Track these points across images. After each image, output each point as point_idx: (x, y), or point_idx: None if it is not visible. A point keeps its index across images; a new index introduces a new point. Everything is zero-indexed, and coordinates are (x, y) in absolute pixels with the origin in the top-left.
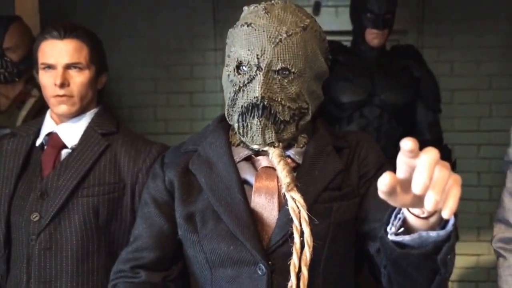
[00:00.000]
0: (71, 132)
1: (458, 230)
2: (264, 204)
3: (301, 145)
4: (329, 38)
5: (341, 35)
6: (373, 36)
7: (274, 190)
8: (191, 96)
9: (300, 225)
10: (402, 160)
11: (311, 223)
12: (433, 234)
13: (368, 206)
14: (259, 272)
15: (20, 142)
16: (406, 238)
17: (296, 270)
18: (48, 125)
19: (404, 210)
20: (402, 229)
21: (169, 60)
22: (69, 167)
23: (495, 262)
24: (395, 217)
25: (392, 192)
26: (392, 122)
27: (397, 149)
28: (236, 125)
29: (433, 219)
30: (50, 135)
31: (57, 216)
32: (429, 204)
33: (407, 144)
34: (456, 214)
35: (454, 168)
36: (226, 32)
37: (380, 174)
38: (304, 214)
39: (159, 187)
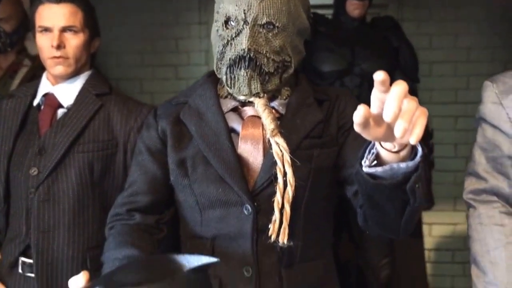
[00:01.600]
0: (67, 93)
1: (435, 200)
2: (250, 150)
3: (284, 97)
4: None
5: (323, 8)
6: (354, 7)
7: (259, 137)
8: (176, 69)
9: (283, 167)
10: (375, 95)
11: (293, 165)
12: (403, 165)
13: (346, 154)
14: (245, 212)
15: (18, 102)
16: (378, 170)
17: (280, 207)
18: (45, 86)
19: (377, 145)
20: (375, 162)
21: (155, 34)
22: (65, 125)
23: None
24: (369, 152)
25: (366, 124)
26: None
27: None
28: (224, 77)
29: (403, 153)
30: (47, 95)
31: (54, 170)
32: (398, 131)
33: (379, 75)
34: (424, 148)
35: (431, 137)
36: (210, 6)
37: None
38: (287, 157)
39: (152, 136)
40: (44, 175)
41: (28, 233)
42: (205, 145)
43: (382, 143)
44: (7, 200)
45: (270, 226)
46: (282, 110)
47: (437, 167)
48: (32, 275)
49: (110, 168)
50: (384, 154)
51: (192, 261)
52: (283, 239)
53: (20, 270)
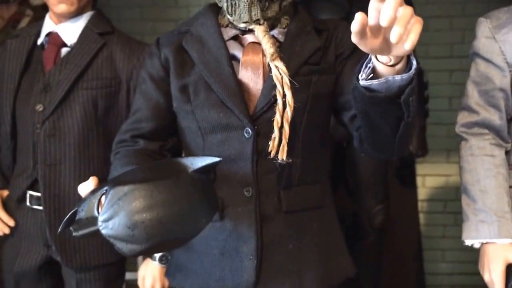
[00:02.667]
0: (70, 31)
1: (430, 152)
2: (250, 76)
3: (283, 26)
4: None
5: None
6: None
7: (259, 63)
8: (176, 24)
9: (283, 89)
10: (372, 6)
11: (292, 88)
12: (398, 78)
13: (343, 81)
14: (246, 135)
15: (22, 42)
16: (374, 83)
17: (279, 126)
18: (48, 25)
19: (373, 59)
20: (371, 75)
21: None
22: (69, 62)
23: None
24: (366, 66)
25: (363, 33)
26: None
27: None
28: (225, 5)
29: (398, 67)
30: (50, 34)
31: (59, 106)
32: (394, 37)
33: None
34: (418, 63)
35: (426, 88)
36: None
37: (355, 55)
38: (286, 80)
39: (155, 64)
40: (50, 111)
41: (35, 167)
42: (206, 71)
43: (378, 56)
44: (14, 137)
45: (270, 143)
46: (281, 38)
47: (432, 120)
48: (40, 207)
49: (114, 106)
50: (380, 68)
51: (196, 162)
52: (282, 155)
53: (28, 203)
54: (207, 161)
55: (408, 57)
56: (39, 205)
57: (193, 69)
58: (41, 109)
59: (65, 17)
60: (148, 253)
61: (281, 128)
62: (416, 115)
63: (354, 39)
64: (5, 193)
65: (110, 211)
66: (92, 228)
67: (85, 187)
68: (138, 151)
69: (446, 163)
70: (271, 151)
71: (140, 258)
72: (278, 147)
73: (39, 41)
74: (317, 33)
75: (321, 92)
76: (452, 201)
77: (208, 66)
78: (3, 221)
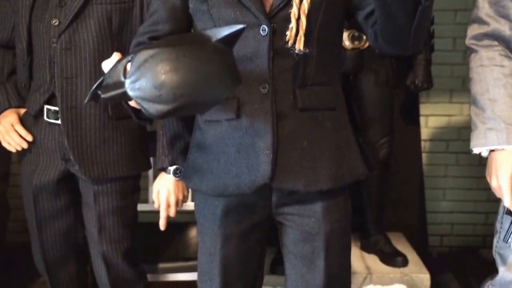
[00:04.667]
0: None
1: (432, 92)
2: None
3: None
4: None
5: None
6: None
7: None
8: None
9: None
10: None
11: None
12: None
13: None
14: (262, 33)
15: None
16: None
17: (296, 17)
18: None
19: None
20: None
21: None
22: None
23: (465, 122)
24: None
25: None
26: None
27: None
28: None
29: None
30: None
31: (74, 20)
32: None
33: None
34: None
35: (432, 23)
36: None
37: None
38: None
39: None
40: (65, 25)
41: (52, 81)
42: None
43: None
44: (30, 53)
45: (288, 33)
46: None
47: (436, 61)
48: (57, 121)
49: (128, 22)
50: None
51: (220, 32)
52: (299, 45)
53: (45, 118)
54: (231, 29)
55: None
56: (56, 119)
57: None
58: (56, 23)
59: None
60: (173, 114)
61: (298, 19)
62: (433, 1)
63: None
64: (22, 110)
65: (137, 73)
66: (120, 91)
67: (109, 62)
68: None
69: (449, 103)
70: (288, 41)
71: (150, 189)
72: (295, 39)
73: None
74: None
75: None
76: (454, 141)
77: None
78: (21, 136)
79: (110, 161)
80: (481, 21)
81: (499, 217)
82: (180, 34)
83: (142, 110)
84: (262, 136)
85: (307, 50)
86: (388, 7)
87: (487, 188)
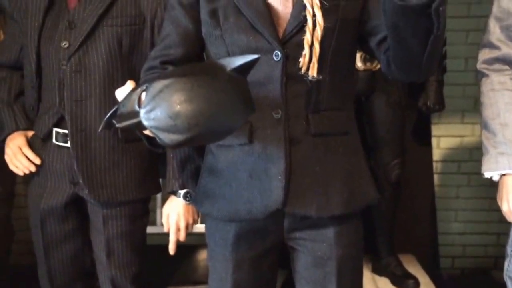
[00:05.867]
0: None
1: (444, 113)
2: (280, 1)
3: None
4: None
5: None
6: None
7: None
8: None
9: (313, 9)
10: None
11: (322, 9)
12: None
13: (370, 8)
14: (275, 58)
15: None
16: None
17: (309, 44)
18: None
19: None
20: None
21: None
22: (93, 0)
23: (477, 143)
24: None
25: None
26: None
27: None
28: None
29: None
30: None
31: (84, 43)
32: None
33: None
34: None
35: (445, 43)
36: None
37: None
38: (316, 0)
39: None
40: (75, 47)
41: (61, 104)
42: None
43: None
44: (39, 75)
45: (301, 59)
46: None
47: (448, 81)
48: (66, 144)
49: (138, 44)
50: None
51: (234, 61)
52: (313, 72)
53: (54, 140)
54: (246, 59)
55: None
56: (65, 142)
57: None
58: (66, 45)
59: None
60: (188, 144)
61: (311, 46)
62: (444, 30)
63: None
64: (30, 133)
65: (152, 103)
66: (134, 120)
67: (122, 90)
68: None
69: (461, 124)
70: (301, 68)
71: (158, 211)
72: (308, 65)
73: None
74: None
75: (349, 17)
76: (466, 162)
77: None
78: (29, 160)
79: (120, 185)
80: (492, 46)
81: (510, 240)
82: (194, 62)
83: (157, 139)
84: (275, 161)
85: (320, 77)
86: (400, 35)
87: (499, 209)
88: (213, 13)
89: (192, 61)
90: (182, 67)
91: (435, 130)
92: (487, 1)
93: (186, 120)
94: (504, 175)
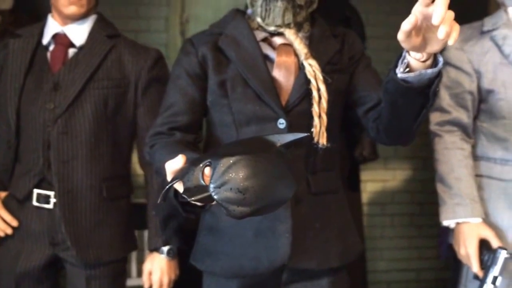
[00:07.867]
0: (78, 33)
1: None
2: (283, 74)
3: (306, 31)
4: None
5: None
6: None
7: (292, 63)
8: (136, 36)
9: (317, 83)
10: (417, 10)
11: (325, 82)
12: (429, 71)
13: (356, 81)
14: (280, 126)
15: (25, 42)
16: (411, 75)
17: (318, 115)
18: (53, 26)
19: (408, 56)
20: (407, 69)
21: None
22: (79, 63)
23: (398, 187)
24: (401, 62)
25: (410, 33)
26: None
27: None
28: (259, 9)
29: (428, 62)
30: (57, 35)
31: (71, 105)
32: (442, 34)
33: None
34: (442, 59)
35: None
36: None
37: (364, 58)
38: (319, 75)
39: (192, 61)
40: (62, 110)
41: (45, 165)
42: (244, 67)
43: (412, 53)
44: (18, 136)
45: (313, 130)
46: (305, 41)
47: None
48: (47, 206)
49: (122, 106)
50: (414, 63)
51: (283, 138)
52: (323, 141)
53: (34, 203)
54: (296, 136)
55: (435, 54)
56: (47, 203)
57: (229, 67)
58: (51, 107)
59: (73, 19)
60: (253, 215)
61: (319, 117)
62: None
63: (401, 37)
64: (3, 194)
65: (222, 179)
66: (205, 194)
67: (174, 164)
68: (178, 141)
69: (384, 169)
70: (315, 137)
71: (133, 264)
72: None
73: (45, 41)
74: (333, 37)
75: (340, 88)
76: (389, 204)
77: (245, 63)
78: (5, 222)
79: (104, 244)
80: (443, 110)
81: (463, 280)
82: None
83: (224, 211)
84: (282, 221)
85: (329, 145)
86: (398, 110)
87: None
88: (222, 84)
89: (196, 127)
90: (239, 143)
91: (362, 175)
92: None
93: (254, 194)
94: (460, 223)
